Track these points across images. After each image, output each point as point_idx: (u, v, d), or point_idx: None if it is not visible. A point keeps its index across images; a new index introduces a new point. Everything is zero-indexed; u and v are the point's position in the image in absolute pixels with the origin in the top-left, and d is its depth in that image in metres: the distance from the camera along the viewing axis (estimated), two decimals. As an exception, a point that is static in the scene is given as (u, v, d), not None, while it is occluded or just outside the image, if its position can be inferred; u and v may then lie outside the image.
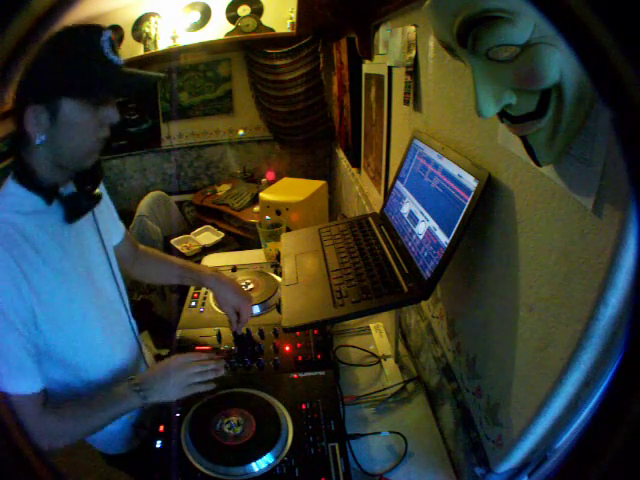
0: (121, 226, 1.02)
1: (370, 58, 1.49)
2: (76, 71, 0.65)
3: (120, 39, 2.78)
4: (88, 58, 0.66)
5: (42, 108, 0.65)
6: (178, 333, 1.09)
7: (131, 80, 0.73)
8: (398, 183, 1.01)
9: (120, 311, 0.91)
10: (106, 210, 0.93)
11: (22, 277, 0.66)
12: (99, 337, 0.82)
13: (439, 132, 0.90)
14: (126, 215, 1.56)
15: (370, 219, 1.11)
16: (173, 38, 2.82)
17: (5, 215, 0.68)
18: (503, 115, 0.46)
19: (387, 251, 0.93)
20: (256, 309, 1.14)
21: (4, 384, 0.66)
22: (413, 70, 1.02)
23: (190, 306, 1.19)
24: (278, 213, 2.07)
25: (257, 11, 2.84)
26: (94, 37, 0.66)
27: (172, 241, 2.48)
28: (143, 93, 3.05)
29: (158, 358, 1.13)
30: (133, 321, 0.96)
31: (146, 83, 0.75)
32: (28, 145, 0.70)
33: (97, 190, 0.81)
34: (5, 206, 0.69)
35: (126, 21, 2.80)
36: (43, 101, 0.65)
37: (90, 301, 0.80)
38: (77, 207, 0.76)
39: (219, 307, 1.11)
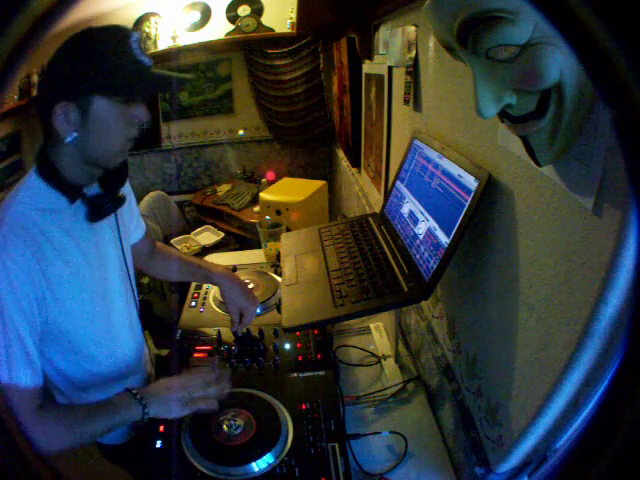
0: (142, 224, 1.03)
1: (370, 58, 1.49)
2: (109, 70, 0.66)
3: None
4: (120, 58, 0.67)
5: (72, 105, 0.66)
6: (178, 333, 1.09)
7: (161, 80, 0.74)
8: (398, 183, 1.01)
9: (129, 308, 0.91)
10: (128, 208, 0.92)
11: (36, 262, 0.66)
12: (106, 331, 0.83)
13: (439, 132, 0.90)
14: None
15: (370, 219, 1.11)
16: (173, 38, 2.82)
17: (23, 208, 0.69)
18: (503, 115, 0.46)
19: (387, 251, 0.93)
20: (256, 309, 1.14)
21: (5, 373, 0.63)
22: (413, 70, 1.02)
23: (190, 306, 1.19)
24: (278, 213, 2.07)
25: (257, 11, 2.84)
26: (123, 39, 0.67)
27: (172, 241, 2.48)
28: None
29: (158, 358, 1.13)
30: (139, 319, 0.96)
31: (175, 84, 0.75)
32: (55, 142, 0.71)
33: (121, 193, 0.81)
34: (25, 199, 0.70)
35: (126, 21, 2.79)
36: (74, 98, 0.66)
37: (101, 297, 0.80)
38: (101, 208, 0.76)
39: (223, 305, 1.10)
